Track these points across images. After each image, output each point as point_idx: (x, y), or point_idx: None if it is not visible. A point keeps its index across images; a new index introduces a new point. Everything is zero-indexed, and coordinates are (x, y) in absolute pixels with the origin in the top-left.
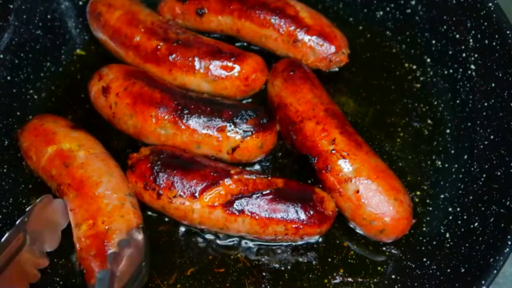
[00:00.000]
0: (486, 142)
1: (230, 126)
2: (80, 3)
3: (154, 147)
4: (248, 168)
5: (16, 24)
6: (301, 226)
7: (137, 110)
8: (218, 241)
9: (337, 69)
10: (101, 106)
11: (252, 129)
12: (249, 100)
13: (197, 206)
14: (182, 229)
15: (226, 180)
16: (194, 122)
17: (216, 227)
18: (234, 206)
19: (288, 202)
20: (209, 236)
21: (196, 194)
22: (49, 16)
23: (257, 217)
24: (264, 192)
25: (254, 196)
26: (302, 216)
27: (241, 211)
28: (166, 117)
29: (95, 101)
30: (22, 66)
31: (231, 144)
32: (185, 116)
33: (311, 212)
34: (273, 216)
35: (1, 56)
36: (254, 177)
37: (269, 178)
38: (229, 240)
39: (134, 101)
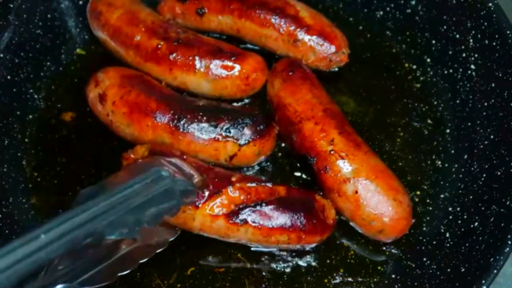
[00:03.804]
0: (486, 142)
1: (227, 135)
2: (80, 2)
3: (152, 147)
4: (248, 169)
5: (16, 24)
6: (303, 236)
7: (133, 119)
8: (218, 241)
9: (337, 69)
10: (98, 112)
11: (249, 138)
12: (249, 100)
13: (198, 215)
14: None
15: (228, 188)
16: (191, 132)
17: (216, 235)
18: (238, 216)
19: (291, 212)
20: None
21: (199, 203)
22: (49, 16)
23: (260, 227)
24: (267, 202)
25: (258, 206)
26: (306, 225)
27: (245, 221)
28: (162, 127)
29: (93, 107)
30: (22, 65)
31: (228, 152)
32: (182, 126)
33: (314, 221)
34: (277, 226)
35: (1, 55)
36: (256, 185)
37: (271, 186)
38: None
39: (130, 110)
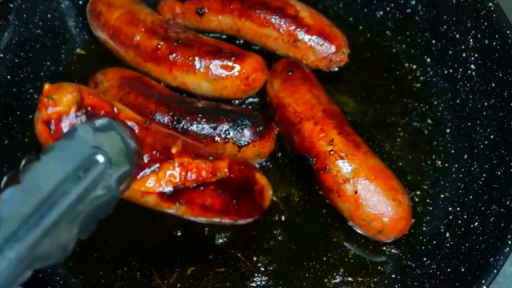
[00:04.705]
0: (486, 142)
1: (226, 136)
2: (80, 2)
3: (80, 94)
4: None
5: (16, 23)
6: (236, 219)
7: None
8: (218, 241)
9: (337, 68)
10: None
11: (248, 139)
12: (249, 101)
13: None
14: (182, 228)
15: (167, 163)
16: (190, 134)
17: (142, 204)
18: (173, 196)
19: (228, 198)
20: (209, 235)
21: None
22: (49, 16)
23: (193, 209)
24: (206, 184)
25: (196, 189)
26: (240, 211)
27: (179, 201)
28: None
29: None
30: (22, 65)
31: (228, 154)
32: (181, 127)
33: (249, 206)
34: (211, 210)
35: (1, 55)
36: (197, 160)
37: (213, 160)
38: (228, 237)
39: None
